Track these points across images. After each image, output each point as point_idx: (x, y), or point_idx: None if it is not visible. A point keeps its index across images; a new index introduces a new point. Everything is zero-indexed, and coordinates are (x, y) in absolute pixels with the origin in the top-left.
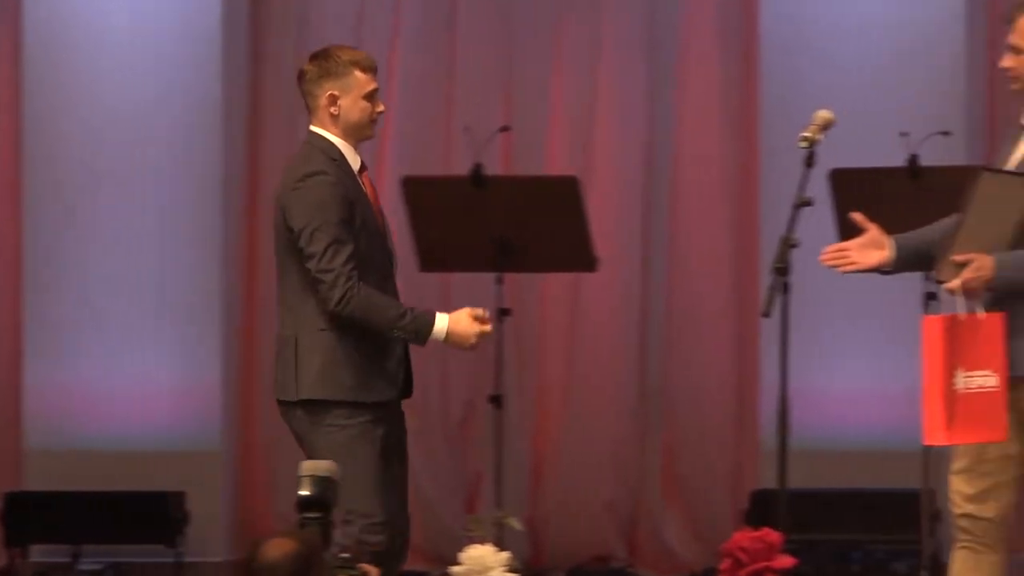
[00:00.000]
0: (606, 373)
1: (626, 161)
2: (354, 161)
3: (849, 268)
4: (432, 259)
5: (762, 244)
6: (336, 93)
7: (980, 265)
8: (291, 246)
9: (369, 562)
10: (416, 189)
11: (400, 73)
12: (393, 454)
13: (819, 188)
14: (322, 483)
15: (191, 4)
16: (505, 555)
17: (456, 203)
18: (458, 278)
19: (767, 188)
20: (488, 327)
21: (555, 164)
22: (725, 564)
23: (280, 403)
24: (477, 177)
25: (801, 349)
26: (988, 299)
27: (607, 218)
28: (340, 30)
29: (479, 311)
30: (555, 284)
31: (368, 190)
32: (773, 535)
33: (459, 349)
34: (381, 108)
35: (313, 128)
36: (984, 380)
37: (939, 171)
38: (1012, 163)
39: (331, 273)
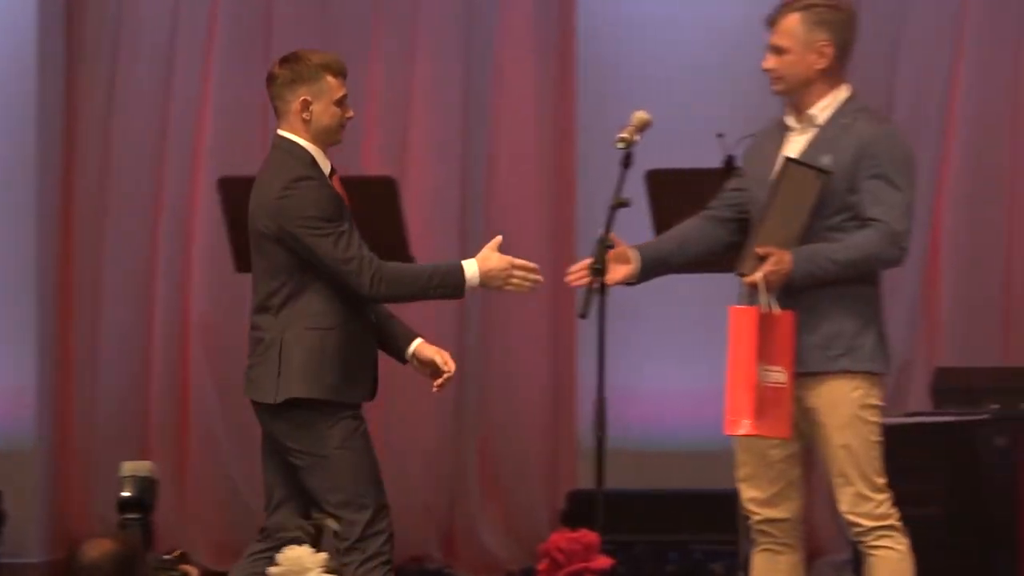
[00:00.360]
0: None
1: (442, 162)
2: (324, 166)
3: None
4: (248, 260)
5: (578, 245)
6: (309, 98)
7: (780, 259)
8: (278, 251)
9: (376, 549)
10: (232, 190)
11: (217, 74)
12: None
13: (636, 189)
14: (143, 484)
15: (4, 1)
16: (322, 556)
17: None
18: None
19: (584, 189)
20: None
21: (371, 165)
22: (543, 565)
23: (258, 405)
24: None
25: (618, 350)
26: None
27: (424, 219)
28: (156, 31)
29: (498, 239)
30: None
31: (341, 192)
32: (590, 535)
33: (498, 288)
34: (350, 114)
35: (283, 133)
36: (776, 376)
37: None
38: (778, 162)
39: (353, 261)
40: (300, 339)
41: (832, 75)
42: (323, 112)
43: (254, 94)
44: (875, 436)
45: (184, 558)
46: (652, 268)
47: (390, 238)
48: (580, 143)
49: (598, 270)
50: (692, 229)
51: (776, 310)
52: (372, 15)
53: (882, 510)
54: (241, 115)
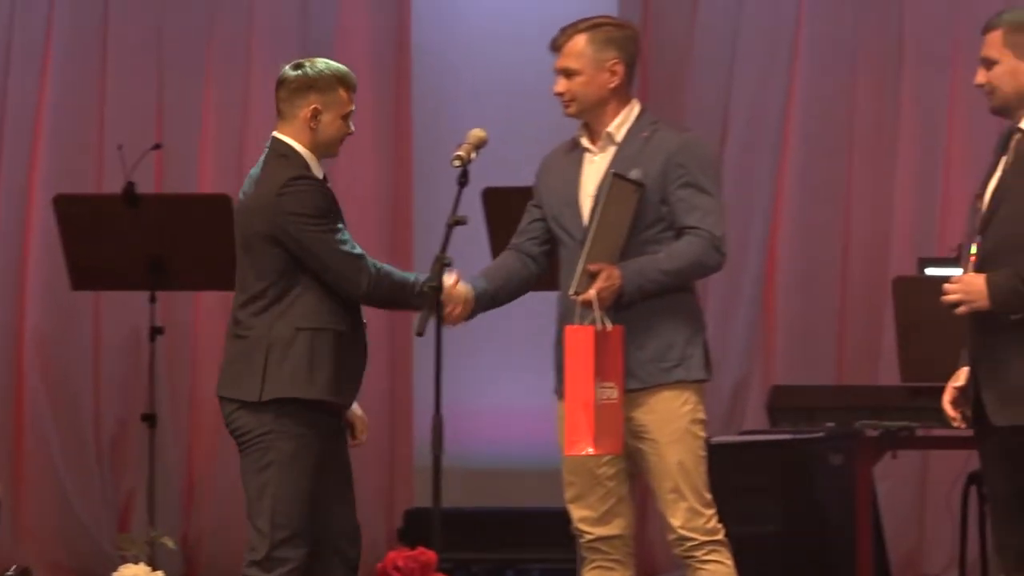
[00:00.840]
0: None
1: None
2: (318, 173)
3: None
4: (85, 277)
5: (416, 264)
6: (319, 107)
7: (610, 275)
8: (270, 252)
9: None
10: (68, 207)
11: (52, 89)
12: (336, 466)
13: (473, 207)
14: None
15: None
16: (159, 574)
17: (108, 221)
18: (111, 296)
19: (420, 207)
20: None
21: (207, 182)
22: None
23: (232, 403)
24: (129, 195)
25: (454, 367)
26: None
27: None
28: None
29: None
30: (208, 302)
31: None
32: (427, 554)
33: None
34: (351, 130)
35: (281, 136)
36: (610, 392)
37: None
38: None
39: (352, 259)
40: (289, 339)
41: (623, 92)
42: (330, 124)
43: (89, 111)
44: (703, 451)
45: (26, 574)
46: (484, 306)
47: (226, 256)
48: (416, 162)
49: (435, 288)
50: (511, 264)
51: (608, 326)
52: (207, 33)
53: (711, 525)
54: (76, 132)
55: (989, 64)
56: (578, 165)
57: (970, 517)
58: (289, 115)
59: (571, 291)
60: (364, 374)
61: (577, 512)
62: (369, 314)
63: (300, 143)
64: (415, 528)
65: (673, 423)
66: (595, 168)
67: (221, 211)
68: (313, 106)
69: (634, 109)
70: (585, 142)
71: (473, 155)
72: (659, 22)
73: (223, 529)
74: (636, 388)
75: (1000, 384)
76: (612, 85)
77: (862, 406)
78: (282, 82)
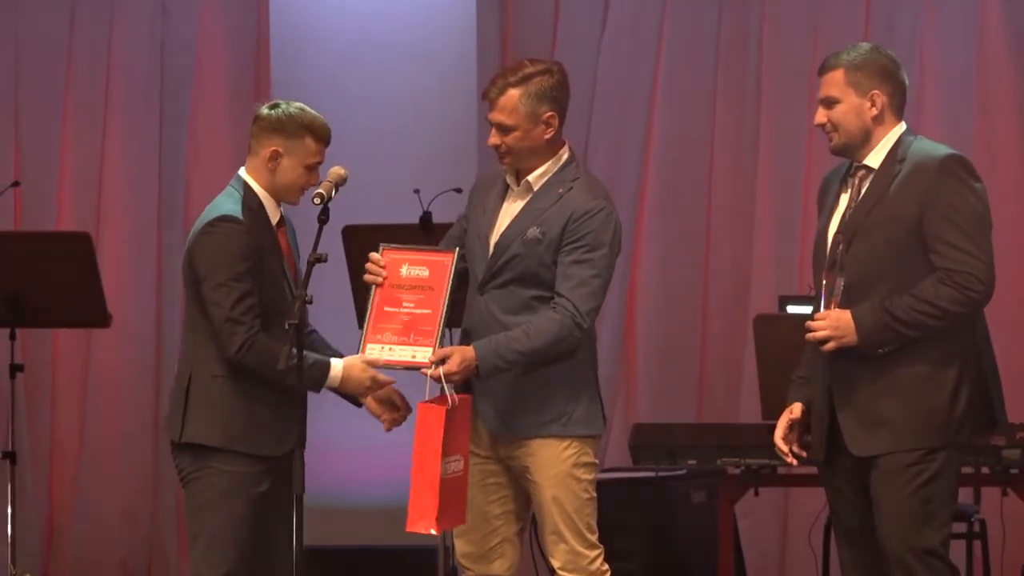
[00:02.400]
0: (120, 429)
1: (139, 217)
2: (273, 215)
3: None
4: None
5: None
6: (280, 150)
7: (464, 357)
8: (194, 288)
9: None
10: None
11: None
12: (276, 511)
13: (333, 244)
14: None
15: None
16: None
17: None
18: None
19: None
20: (381, 376)
21: (67, 220)
22: None
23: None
24: None
25: (313, 404)
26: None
27: (120, 274)
28: None
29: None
30: (68, 340)
31: (283, 244)
32: None
33: (355, 394)
34: (314, 181)
35: (242, 172)
36: (455, 465)
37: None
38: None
39: (231, 323)
40: (206, 382)
41: (556, 140)
42: (290, 169)
43: None
44: (587, 493)
45: None
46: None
47: (85, 293)
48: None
49: (294, 325)
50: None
51: (455, 399)
52: (64, 70)
53: (595, 566)
54: None
55: (830, 103)
56: (499, 201)
57: (832, 554)
58: (254, 152)
59: (428, 368)
60: (303, 420)
61: (461, 547)
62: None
63: (258, 182)
64: None
65: (554, 467)
66: (511, 210)
67: (80, 248)
68: (273, 148)
69: (561, 158)
70: (510, 181)
71: (333, 193)
72: (518, 57)
73: (84, 566)
74: (519, 437)
75: (860, 414)
76: (547, 136)
77: (723, 444)
78: (255, 119)
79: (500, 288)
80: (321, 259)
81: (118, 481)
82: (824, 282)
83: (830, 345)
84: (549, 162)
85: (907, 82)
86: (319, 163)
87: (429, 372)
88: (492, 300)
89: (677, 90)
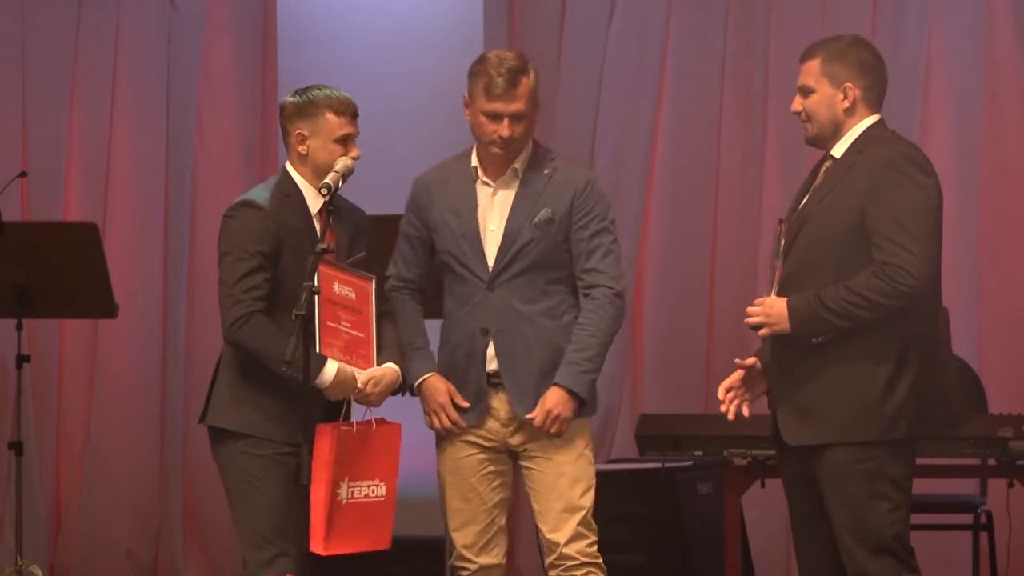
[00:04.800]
0: (127, 420)
1: (146, 208)
2: (314, 203)
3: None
4: None
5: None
6: (305, 132)
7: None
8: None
9: None
10: None
11: None
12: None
13: None
14: None
15: None
16: None
17: None
18: None
19: None
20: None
21: (74, 210)
22: None
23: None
24: None
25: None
26: None
27: (127, 265)
28: None
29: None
30: (75, 330)
31: (321, 230)
32: None
33: (339, 395)
34: (355, 153)
35: (285, 164)
36: (371, 490)
37: None
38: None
39: (230, 298)
40: (229, 368)
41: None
42: (320, 148)
43: None
44: (594, 480)
45: None
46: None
47: (93, 284)
48: None
49: (301, 316)
50: (417, 315)
51: (377, 425)
52: (71, 59)
53: (593, 549)
54: None
55: (806, 92)
56: (473, 197)
57: None
58: (286, 143)
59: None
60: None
61: (462, 539)
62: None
63: (297, 171)
64: None
65: (576, 446)
66: (502, 200)
67: (87, 239)
68: (299, 131)
69: (529, 143)
70: (485, 172)
71: (340, 183)
72: (525, 50)
73: (91, 557)
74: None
75: (795, 404)
76: (534, 128)
77: (730, 435)
78: (280, 111)
79: (515, 279)
80: (328, 250)
81: (125, 472)
82: (771, 268)
83: (763, 331)
84: (527, 148)
85: (886, 76)
86: (350, 135)
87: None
88: (509, 293)
89: (684, 81)
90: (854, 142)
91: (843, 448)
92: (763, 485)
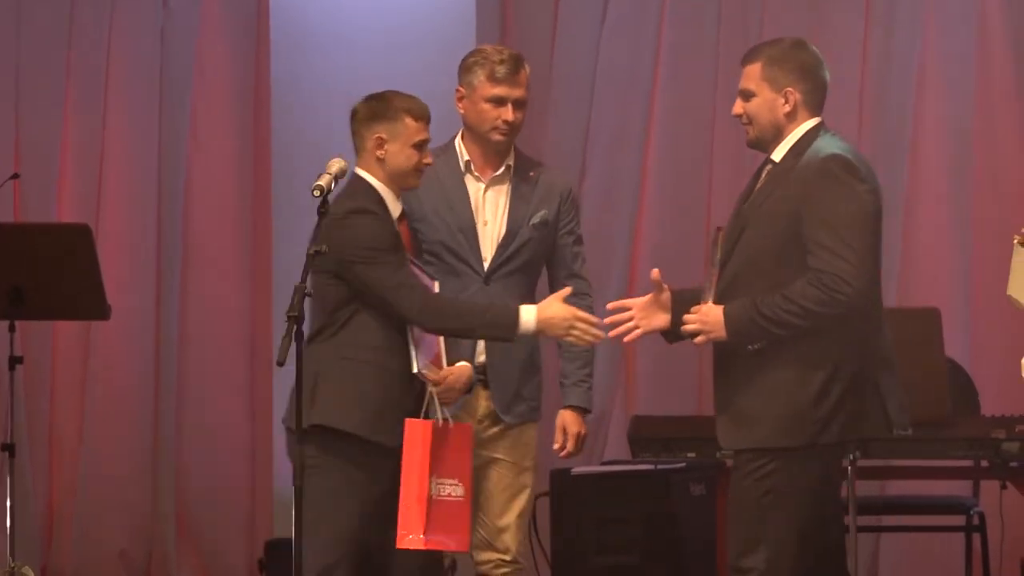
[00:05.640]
0: (119, 421)
1: (139, 209)
2: (394, 208)
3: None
4: None
5: (276, 293)
6: (384, 136)
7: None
8: (329, 284)
9: None
10: None
11: None
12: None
13: None
14: None
15: None
16: None
17: None
18: None
19: (280, 237)
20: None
21: (67, 212)
22: None
23: (288, 432)
24: None
25: None
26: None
27: (120, 267)
28: None
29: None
30: (68, 332)
31: (404, 238)
32: None
33: (558, 337)
34: (429, 160)
35: (357, 170)
36: (452, 489)
37: None
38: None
39: (403, 288)
40: (335, 369)
41: None
42: (398, 153)
43: None
44: None
45: None
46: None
47: (85, 286)
48: (276, 191)
49: (294, 318)
50: None
51: (451, 423)
52: (65, 62)
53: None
54: None
55: (747, 96)
56: (464, 190)
57: None
58: (360, 148)
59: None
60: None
61: (484, 555)
62: (228, 345)
63: (374, 176)
64: (275, 558)
65: (532, 453)
66: (490, 197)
67: (80, 240)
68: (377, 136)
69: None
70: (478, 165)
71: (333, 185)
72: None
73: (84, 559)
74: (518, 421)
75: (732, 409)
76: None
77: None
78: (352, 116)
79: (510, 276)
80: (321, 252)
81: (117, 473)
82: (708, 274)
83: (699, 339)
84: (513, 146)
85: (827, 79)
86: (426, 141)
87: (431, 390)
88: (503, 289)
89: (678, 80)
90: (793, 146)
91: (772, 452)
92: None
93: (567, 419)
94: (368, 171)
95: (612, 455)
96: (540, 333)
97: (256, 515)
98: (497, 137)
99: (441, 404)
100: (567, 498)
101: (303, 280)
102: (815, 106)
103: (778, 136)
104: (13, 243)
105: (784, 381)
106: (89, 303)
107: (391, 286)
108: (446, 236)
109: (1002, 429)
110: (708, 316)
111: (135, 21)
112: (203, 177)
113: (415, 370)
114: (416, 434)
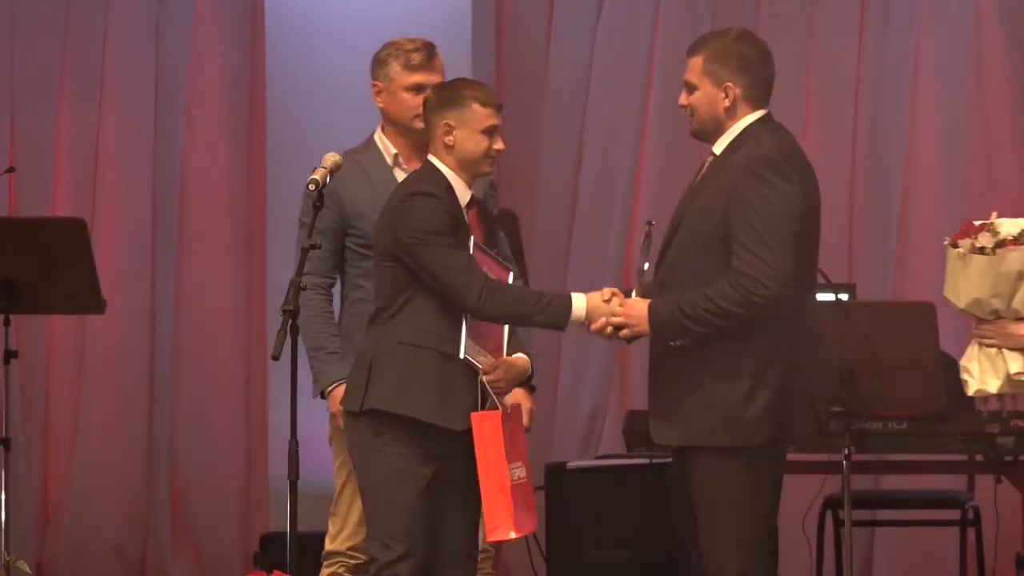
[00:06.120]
0: (114, 415)
1: (133, 203)
2: (463, 195)
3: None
4: None
5: (271, 288)
6: (452, 123)
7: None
8: (388, 267)
9: None
10: None
11: None
12: (454, 491)
13: None
14: None
15: None
16: None
17: None
18: None
19: (275, 231)
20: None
21: (62, 206)
22: None
23: (346, 414)
24: None
25: (309, 392)
26: None
27: (115, 260)
28: None
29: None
30: (63, 326)
31: (473, 226)
32: None
33: (597, 327)
34: (500, 145)
35: (429, 157)
36: (519, 471)
37: None
38: None
39: (461, 274)
40: (391, 353)
41: None
42: (467, 139)
43: None
44: None
45: None
46: None
47: (80, 280)
48: (272, 185)
49: (289, 312)
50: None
51: (507, 406)
52: (60, 55)
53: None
54: None
55: (690, 88)
56: (394, 183)
57: (826, 541)
58: (431, 135)
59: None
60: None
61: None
62: (223, 339)
63: (444, 163)
64: (271, 552)
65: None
66: None
67: (74, 234)
68: (445, 122)
69: None
70: (401, 160)
71: (328, 179)
72: (513, 49)
73: (79, 553)
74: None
75: (663, 404)
76: None
77: None
78: (424, 104)
79: None
80: (315, 245)
81: (112, 467)
82: (637, 269)
83: (624, 332)
84: None
85: (772, 72)
86: (496, 126)
87: (481, 378)
88: None
89: (672, 81)
90: (732, 141)
91: (705, 451)
92: None
93: (518, 396)
94: (438, 158)
95: (607, 449)
96: (588, 322)
97: (252, 508)
98: (419, 125)
99: (497, 394)
100: (562, 492)
101: (298, 274)
102: (757, 100)
103: (719, 129)
104: (8, 237)
105: (714, 379)
106: (84, 297)
107: (445, 268)
108: (366, 224)
109: (997, 424)
110: (633, 310)
111: (130, 15)
112: (198, 171)
113: (461, 355)
114: (486, 426)
